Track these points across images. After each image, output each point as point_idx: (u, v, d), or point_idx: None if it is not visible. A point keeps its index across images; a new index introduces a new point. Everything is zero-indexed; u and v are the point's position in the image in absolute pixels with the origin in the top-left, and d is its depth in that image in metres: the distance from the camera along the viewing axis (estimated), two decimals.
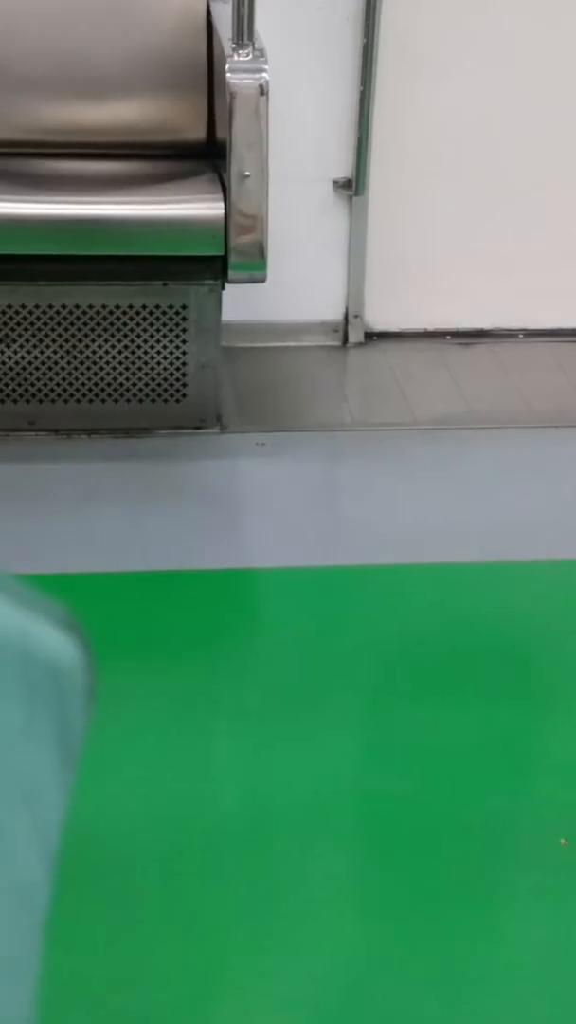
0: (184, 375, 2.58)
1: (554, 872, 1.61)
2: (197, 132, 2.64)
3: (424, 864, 1.62)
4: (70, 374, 2.56)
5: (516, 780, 1.78)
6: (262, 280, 2.41)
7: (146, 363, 2.56)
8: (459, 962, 1.48)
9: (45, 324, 2.50)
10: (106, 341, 2.53)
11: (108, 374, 2.56)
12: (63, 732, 0.57)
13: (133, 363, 2.56)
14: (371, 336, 3.06)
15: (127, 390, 2.58)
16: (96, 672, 0.59)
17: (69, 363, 2.55)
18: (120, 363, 2.55)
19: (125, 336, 2.53)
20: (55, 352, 2.53)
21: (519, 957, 1.49)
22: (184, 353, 2.56)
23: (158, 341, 2.54)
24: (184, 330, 2.53)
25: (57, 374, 2.56)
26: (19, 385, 2.56)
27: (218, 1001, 1.45)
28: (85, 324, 2.51)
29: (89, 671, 0.58)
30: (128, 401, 2.59)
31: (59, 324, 2.51)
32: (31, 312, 2.49)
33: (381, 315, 3.05)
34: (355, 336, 3.04)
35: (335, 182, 2.91)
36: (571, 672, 2.04)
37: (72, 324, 2.51)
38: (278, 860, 1.62)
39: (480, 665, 2.01)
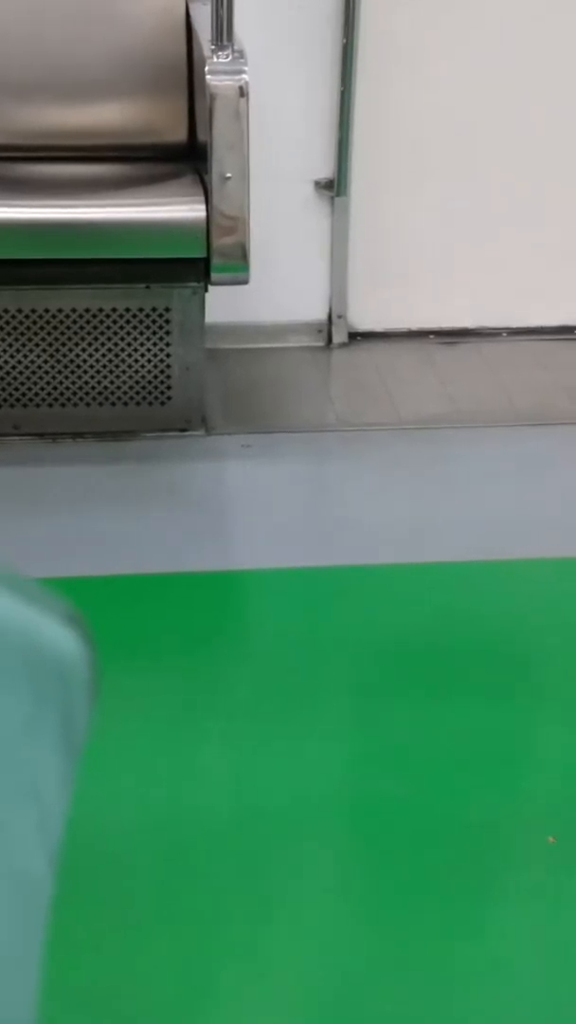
0: (168, 377, 2.58)
1: (543, 870, 1.61)
2: (178, 134, 2.64)
3: (416, 864, 1.62)
4: (54, 378, 2.55)
5: (505, 779, 1.78)
6: (245, 282, 2.41)
7: (130, 366, 2.56)
8: (451, 961, 1.48)
9: (28, 328, 2.50)
10: (90, 344, 2.52)
11: (92, 377, 2.56)
12: (67, 727, 0.57)
13: (117, 366, 2.55)
14: (355, 336, 3.06)
15: (112, 393, 2.58)
16: (100, 667, 0.58)
17: (53, 367, 2.54)
18: (104, 366, 2.55)
19: (109, 339, 2.52)
20: (39, 356, 2.53)
21: (510, 955, 1.49)
22: (168, 356, 2.55)
23: (142, 344, 2.54)
24: (168, 332, 2.53)
25: (41, 378, 2.55)
26: (3, 389, 2.56)
27: (212, 1003, 1.45)
28: (69, 328, 2.50)
29: (93, 666, 0.58)
30: (113, 404, 2.59)
31: (42, 328, 2.50)
32: (14, 316, 2.49)
33: (365, 315, 3.05)
34: (339, 336, 3.04)
35: (317, 183, 2.91)
36: (559, 670, 2.04)
37: (55, 328, 2.50)
38: (271, 861, 1.62)
39: (468, 664, 2.01)
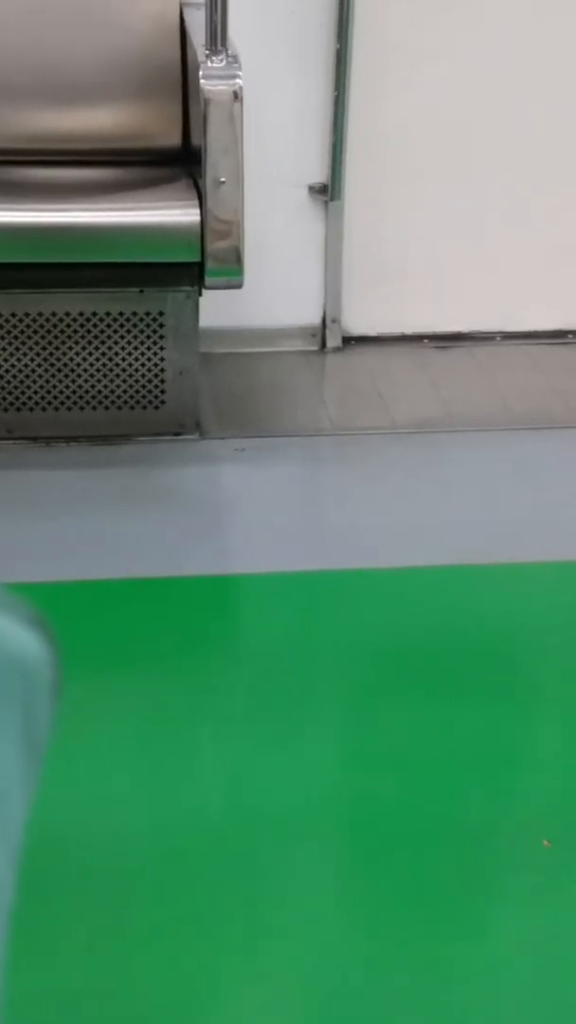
0: (162, 381, 2.58)
1: (538, 873, 1.61)
2: (172, 138, 2.64)
3: (410, 867, 1.62)
4: (48, 382, 2.55)
5: (500, 782, 1.78)
6: (239, 286, 2.41)
7: (124, 370, 2.56)
8: (447, 963, 1.48)
9: (22, 332, 2.50)
10: (83, 348, 2.52)
11: (86, 381, 2.56)
12: (28, 729, 0.56)
13: (111, 370, 2.55)
14: (349, 340, 3.06)
15: (105, 397, 2.58)
16: (62, 669, 0.58)
17: (47, 371, 2.54)
18: (98, 370, 2.55)
19: (103, 343, 2.52)
20: (32, 360, 2.52)
21: (505, 957, 1.49)
22: (162, 360, 2.55)
23: (136, 348, 2.54)
24: (162, 336, 2.53)
25: (35, 382, 2.55)
26: None
27: (209, 1006, 1.45)
28: (62, 332, 2.50)
29: (55, 668, 0.58)
30: (107, 408, 2.59)
31: (36, 332, 2.50)
32: (7, 320, 2.48)
33: (359, 319, 3.05)
34: (333, 341, 3.04)
35: (311, 187, 2.91)
36: (553, 672, 2.04)
37: (49, 332, 2.50)
38: (265, 865, 1.62)
39: (463, 667, 2.01)
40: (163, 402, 2.60)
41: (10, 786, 0.55)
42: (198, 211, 2.34)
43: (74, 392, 2.56)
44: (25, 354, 2.52)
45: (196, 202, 2.36)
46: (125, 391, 2.58)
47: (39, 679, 0.57)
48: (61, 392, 2.56)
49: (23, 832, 0.57)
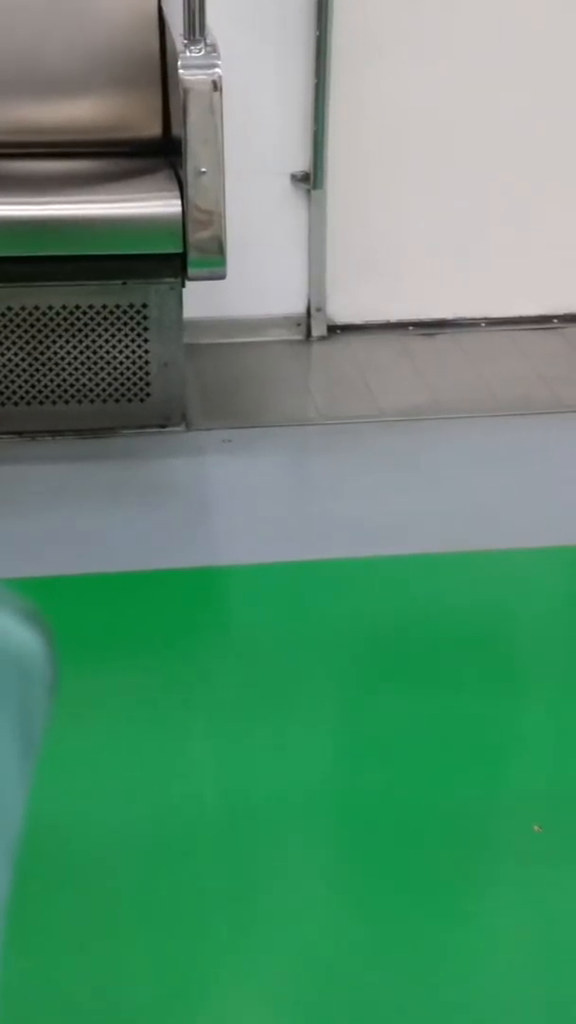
0: (147, 374, 2.57)
1: (529, 859, 1.61)
2: (152, 129, 2.63)
3: (401, 856, 1.62)
4: (32, 376, 2.54)
5: (489, 768, 1.78)
6: (222, 276, 2.41)
7: (108, 363, 2.55)
8: (438, 950, 1.49)
9: (5, 327, 2.48)
10: (67, 342, 2.51)
11: (71, 375, 2.55)
12: (25, 725, 0.56)
13: (95, 363, 2.54)
14: (334, 329, 3.05)
15: (90, 391, 2.57)
16: (59, 664, 0.58)
17: (31, 365, 2.53)
18: (82, 364, 2.54)
19: (86, 336, 2.51)
20: (16, 355, 2.51)
21: (497, 943, 1.49)
22: (146, 352, 2.54)
23: (120, 341, 2.53)
24: (146, 329, 2.52)
25: (19, 376, 2.54)
26: None
27: (199, 1002, 1.45)
28: (45, 325, 2.49)
29: (52, 663, 0.58)
30: (92, 402, 2.58)
31: (19, 326, 2.49)
32: None
33: (344, 308, 3.05)
34: (318, 330, 3.04)
35: (293, 176, 2.91)
36: (541, 659, 2.05)
37: (32, 326, 2.49)
38: (255, 858, 1.62)
39: (451, 655, 2.01)
40: (148, 394, 2.59)
41: (7, 783, 0.55)
42: (179, 202, 2.33)
43: (59, 386, 2.56)
44: (8, 348, 2.50)
45: (177, 193, 2.35)
46: (110, 384, 2.57)
47: (36, 675, 0.57)
48: (46, 386, 2.55)
49: (20, 829, 0.57)
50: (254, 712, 1.87)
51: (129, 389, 2.58)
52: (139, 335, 2.53)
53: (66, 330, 2.50)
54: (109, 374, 2.56)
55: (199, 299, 2.66)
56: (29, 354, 2.51)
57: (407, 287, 3.05)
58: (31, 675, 0.56)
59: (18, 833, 0.56)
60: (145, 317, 2.51)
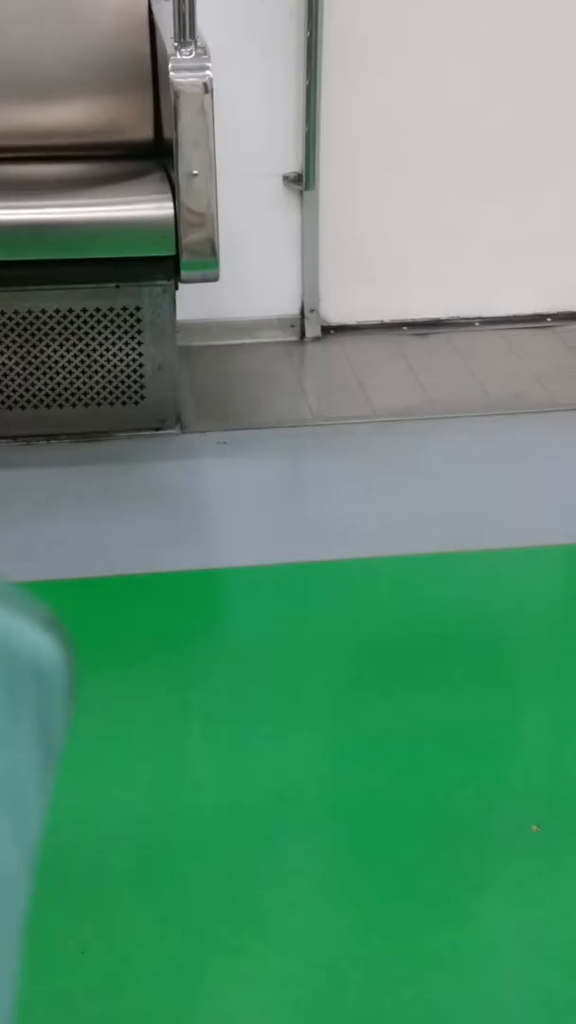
0: (141, 377, 2.57)
1: (528, 859, 1.62)
2: (143, 132, 2.63)
3: (400, 857, 1.62)
4: (26, 380, 2.54)
5: (487, 769, 1.78)
6: (215, 279, 2.40)
7: (102, 366, 2.55)
8: (439, 950, 1.49)
9: None
10: (61, 346, 2.51)
11: (65, 379, 2.55)
12: (45, 731, 0.56)
13: (89, 367, 2.54)
14: (328, 330, 3.06)
15: (84, 394, 2.57)
16: (77, 671, 0.58)
17: (24, 369, 2.53)
18: (76, 367, 2.54)
19: (80, 340, 2.51)
20: (10, 359, 2.51)
21: (495, 943, 1.50)
22: (140, 355, 2.54)
23: (113, 344, 2.53)
24: (139, 331, 2.52)
25: (13, 380, 2.54)
26: None
27: (198, 1005, 1.45)
28: (39, 329, 2.49)
29: (71, 670, 0.57)
30: (86, 405, 2.58)
31: (12, 330, 2.49)
32: None
33: (337, 309, 3.05)
34: (312, 331, 3.04)
35: (285, 177, 2.91)
36: (537, 658, 2.05)
37: (26, 330, 2.49)
38: (253, 860, 1.62)
39: (447, 655, 2.01)
40: (143, 397, 2.59)
41: (27, 791, 0.55)
42: (172, 205, 2.33)
43: (53, 390, 2.55)
44: (2, 352, 2.50)
45: (169, 195, 2.35)
46: (104, 387, 2.57)
47: (55, 681, 0.56)
48: (40, 390, 2.55)
49: (39, 838, 0.57)
50: (252, 713, 1.87)
51: (123, 392, 2.58)
52: (133, 338, 2.53)
53: (60, 334, 2.50)
54: (103, 377, 2.56)
55: (192, 301, 2.66)
56: (23, 358, 2.51)
57: (400, 287, 3.05)
58: (50, 682, 0.56)
59: (37, 842, 0.56)
60: (139, 320, 2.51)
